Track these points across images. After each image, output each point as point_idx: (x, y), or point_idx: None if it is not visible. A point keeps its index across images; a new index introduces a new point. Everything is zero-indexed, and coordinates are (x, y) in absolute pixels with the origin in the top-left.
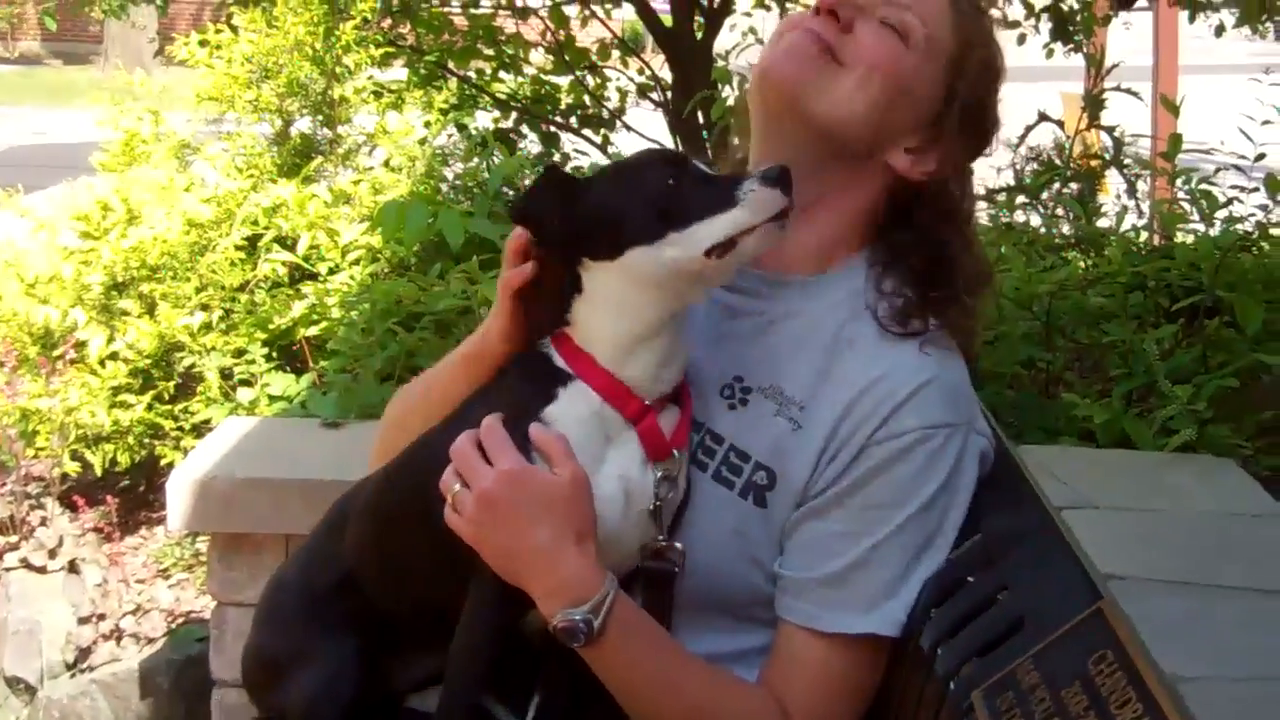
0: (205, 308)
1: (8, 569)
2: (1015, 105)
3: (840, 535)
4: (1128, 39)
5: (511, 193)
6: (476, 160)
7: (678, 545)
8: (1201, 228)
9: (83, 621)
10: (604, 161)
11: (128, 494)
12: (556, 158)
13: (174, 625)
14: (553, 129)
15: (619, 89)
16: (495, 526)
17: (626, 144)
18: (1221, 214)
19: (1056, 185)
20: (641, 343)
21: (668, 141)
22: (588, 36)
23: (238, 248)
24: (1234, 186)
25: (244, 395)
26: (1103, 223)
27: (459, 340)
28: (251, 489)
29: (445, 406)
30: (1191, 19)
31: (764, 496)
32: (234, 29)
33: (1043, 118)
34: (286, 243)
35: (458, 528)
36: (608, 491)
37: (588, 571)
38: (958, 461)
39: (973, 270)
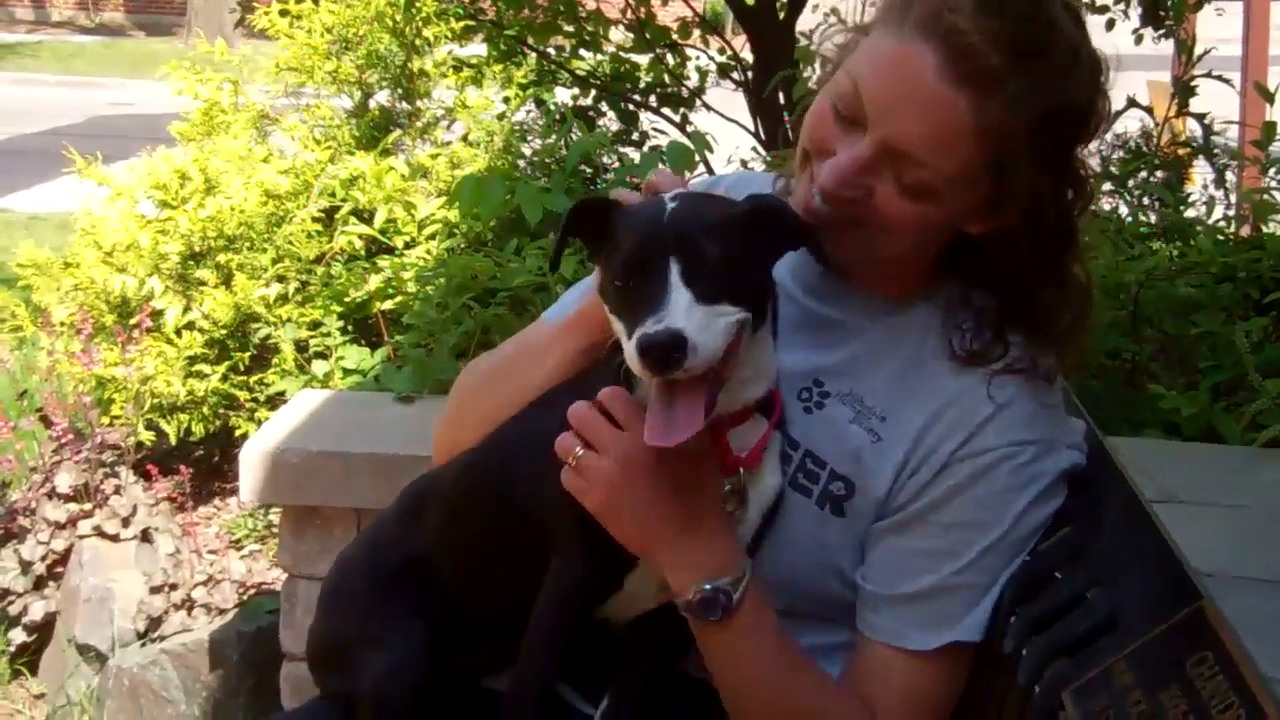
0: (281, 279)
1: (81, 536)
2: None
3: (922, 554)
4: (1217, 28)
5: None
6: (555, 136)
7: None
8: None
9: (154, 591)
10: (682, 140)
11: (201, 464)
12: (635, 136)
13: (245, 596)
14: (631, 107)
15: (699, 68)
16: (635, 492)
17: (706, 124)
18: None
19: (1143, 173)
20: None
21: (747, 121)
22: (668, 14)
23: (314, 219)
24: None
25: (318, 368)
26: (1188, 213)
27: (534, 317)
28: (324, 462)
29: (536, 372)
30: None
31: (842, 506)
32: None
33: (1131, 104)
34: (363, 215)
35: (581, 492)
36: None
37: (728, 543)
38: (1044, 479)
39: (1064, 300)
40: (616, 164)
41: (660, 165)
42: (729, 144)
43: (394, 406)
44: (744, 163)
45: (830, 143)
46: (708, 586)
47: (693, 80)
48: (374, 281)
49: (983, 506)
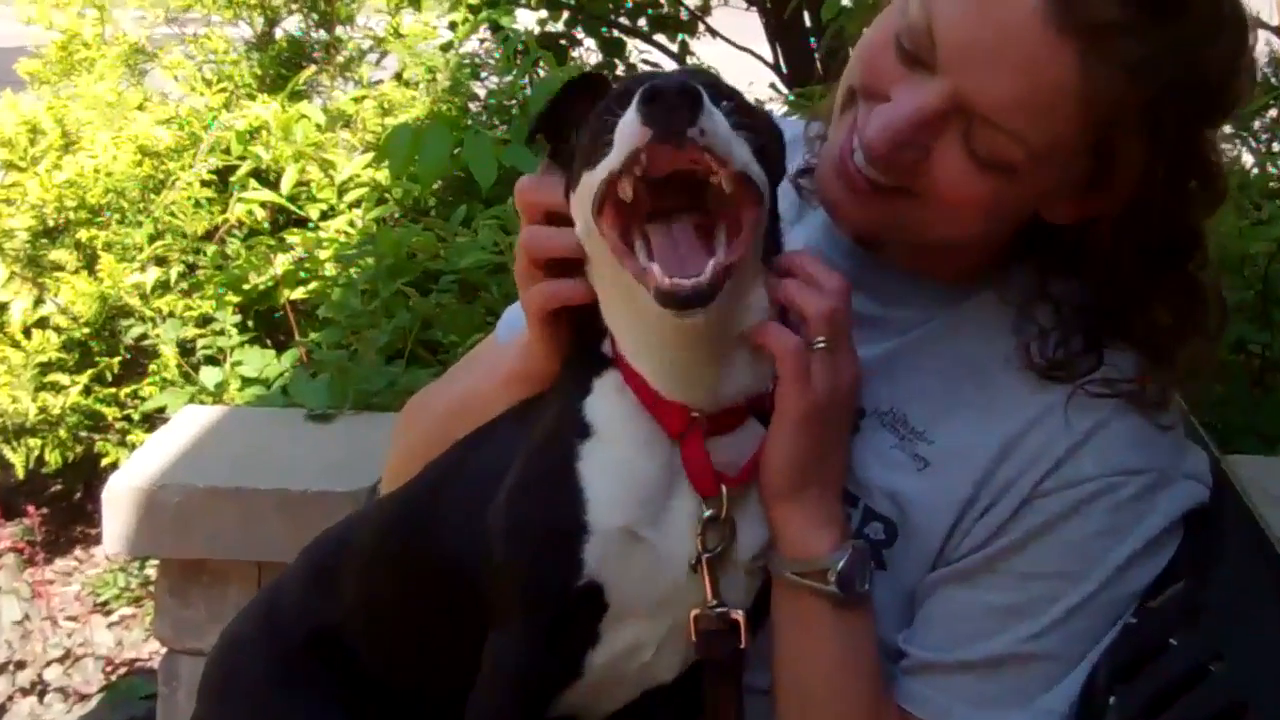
0: (161, 261)
1: None
2: None
3: (994, 611)
4: None
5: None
6: (515, 73)
7: (737, 614)
8: None
9: None
10: None
11: (58, 504)
12: (620, 70)
13: (114, 677)
14: (616, 33)
15: None
16: (846, 402)
17: (711, 53)
18: None
19: (1273, 112)
20: (653, 341)
21: (763, 49)
22: None
23: (204, 183)
24: None
25: (208, 376)
26: None
27: (490, 310)
28: (215, 502)
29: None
30: None
31: (880, 554)
32: None
33: (1256, 24)
34: (267, 178)
35: (800, 385)
36: (646, 531)
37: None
38: (1155, 521)
39: (1187, 315)
40: None
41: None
42: (740, 78)
43: (307, 427)
44: (760, 103)
45: (886, 83)
46: (860, 544)
47: None
48: (281, 263)
49: (1073, 554)
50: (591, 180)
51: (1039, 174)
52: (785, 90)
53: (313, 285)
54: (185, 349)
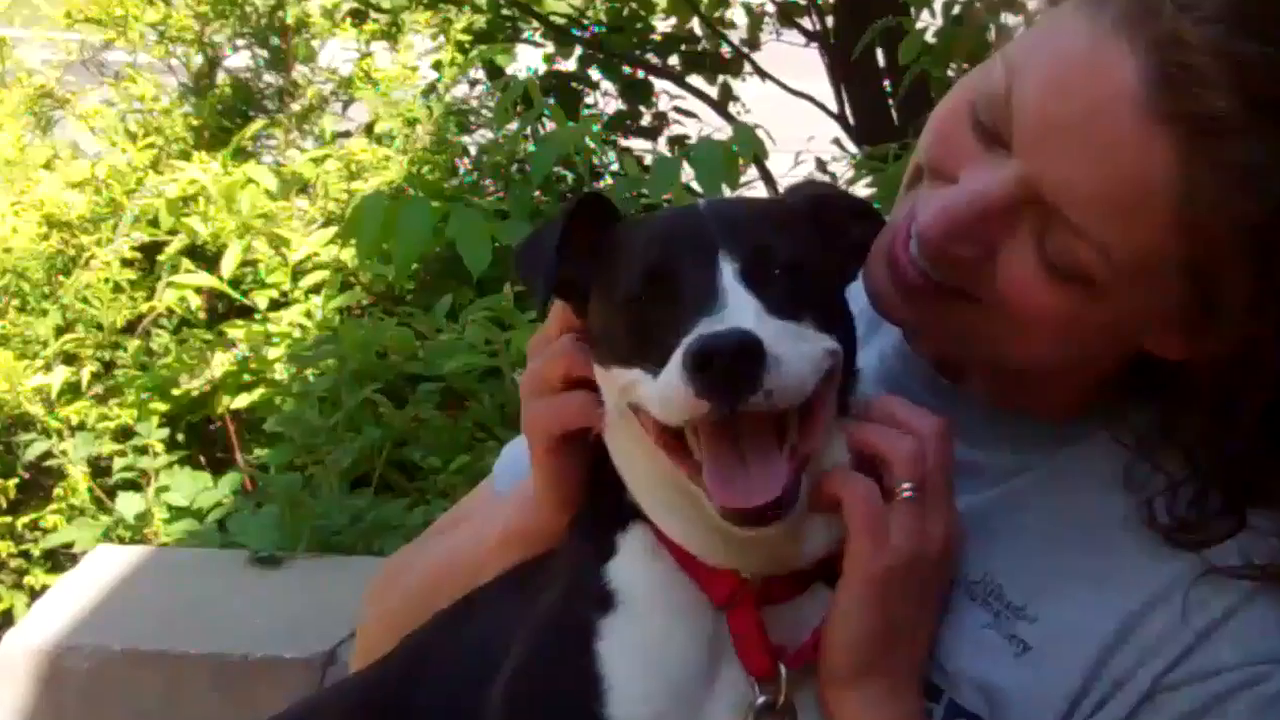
0: (71, 359)
1: None
2: None
3: None
4: None
5: (570, 182)
6: (516, 125)
7: None
8: None
9: None
10: (721, 129)
11: None
12: (646, 121)
13: None
14: (641, 73)
15: (748, 5)
16: (927, 512)
17: (759, 98)
18: None
19: None
20: (676, 495)
21: (825, 94)
22: None
23: (125, 263)
24: None
25: (127, 505)
26: None
27: (481, 425)
28: (135, 669)
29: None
30: None
31: None
32: None
33: None
34: (205, 256)
35: (878, 542)
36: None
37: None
38: None
39: None
40: (614, 167)
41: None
42: (796, 131)
43: (250, 575)
44: (821, 164)
45: (957, 161)
46: None
47: (739, 30)
48: (220, 364)
49: None
50: (625, 383)
51: (1123, 293)
52: (852, 147)
53: (259, 392)
54: (99, 469)
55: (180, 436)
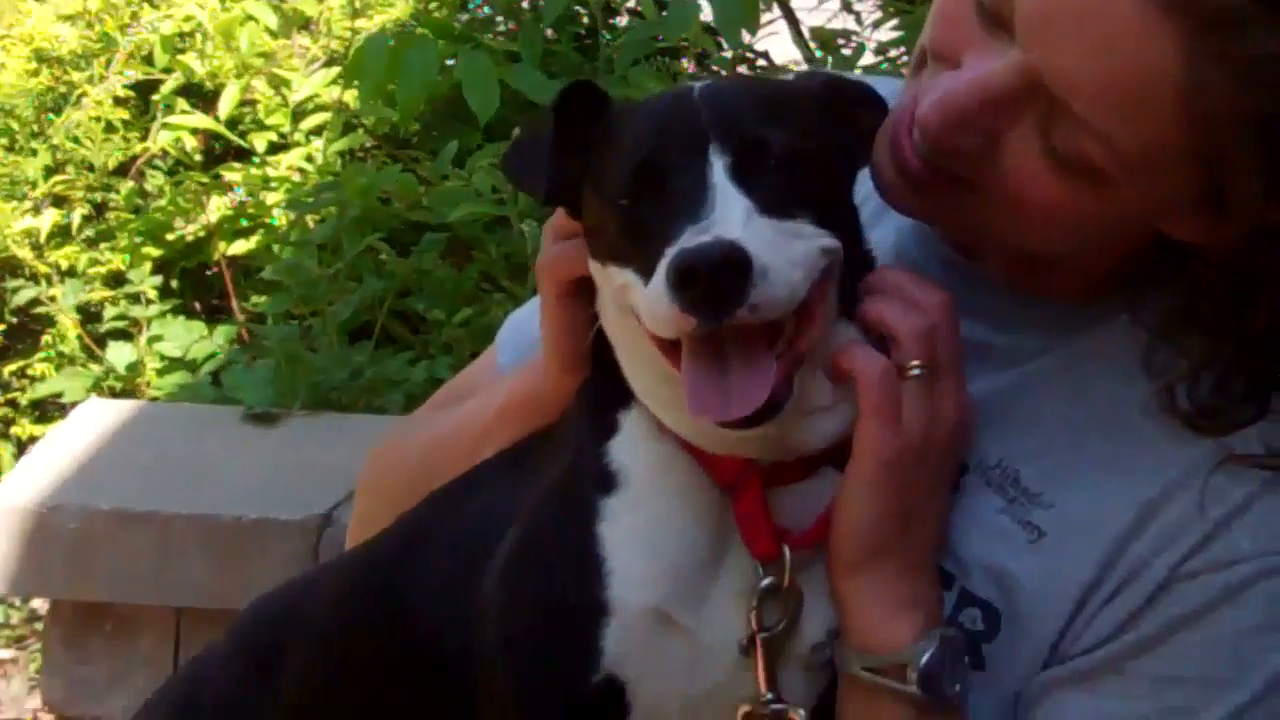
0: (60, 202)
1: None
2: None
3: None
4: None
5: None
6: None
7: (797, 713)
8: None
9: None
10: None
11: None
12: None
13: None
14: None
15: None
16: (938, 389)
17: None
18: None
19: None
20: (674, 390)
21: None
22: None
23: (118, 101)
24: None
25: (118, 355)
26: None
27: (487, 276)
28: (123, 529)
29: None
30: None
31: (979, 649)
32: None
33: None
34: (201, 95)
35: (889, 422)
36: (683, 614)
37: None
38: None
39: None
40: (630, 3)
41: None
42: None
43: (244, 431)
44: (846, 4)
45: (960, 46)
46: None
47: None
48: (216, 208)
49: (1222, 653)
50: (619, 283)
51: (1132, 184)
52: None
53: (256, 238)
54: (89, 316)
55: (174, 283)
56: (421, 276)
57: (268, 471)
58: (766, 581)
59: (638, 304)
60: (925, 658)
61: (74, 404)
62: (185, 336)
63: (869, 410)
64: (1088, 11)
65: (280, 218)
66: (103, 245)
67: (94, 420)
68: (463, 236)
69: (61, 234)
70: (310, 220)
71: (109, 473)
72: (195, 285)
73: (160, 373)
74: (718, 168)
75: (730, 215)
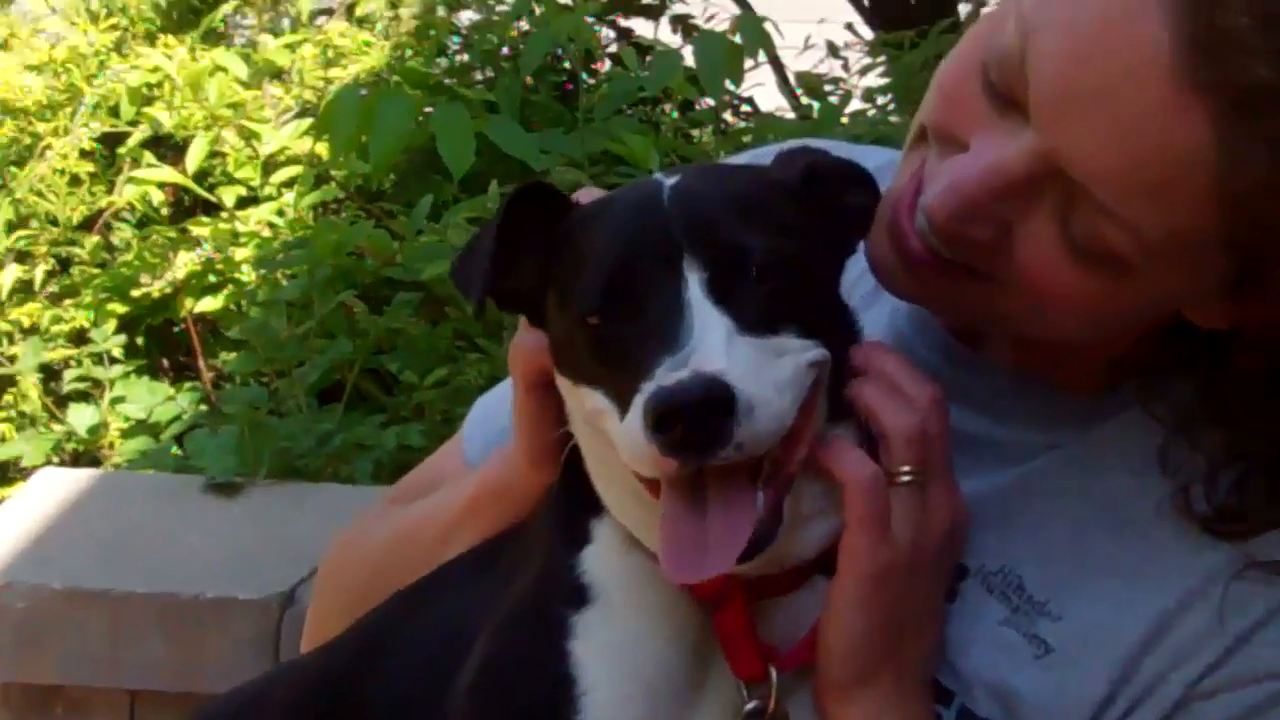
0: (23, 257)
1: None
2: None
3: None
4: None
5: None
6: (504, 7)
7: None
8: None
9: None
10: (726, 9)
11: None
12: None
13: None
14: None
15: None
16: (929, 497)
17: None
18: None
19: None
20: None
21: None
22: None
23: (84, 154)
24: None
25: (79, 417)
26: None
27: (462, 335)
28: (75, 608)
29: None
30: None
31: None
32: None
33: None
34: (169, 147)
35: (874, 539)
36: None
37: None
38: None
39: None
40: (612, 48)
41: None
42: (803, 12)
43: (204, 503)
44: (833, 49)
45: (966, 126)
46: None
47: None
48: (184, 265)
49: None
50: (590, 407)
51: (1157, 272)
52: (866, 34)
53: (224, 295)
54: (49, 376)
55: (140, 340)
56: (394, 335)
57: (229, 546)
58: (751, 705)
59: (613, 437)
60: None
61: (34, 468)
62: (149, 398)
63: (855, 521)
64: (1110, 90)
65: (249, 274)
66: (67, 302)
67: (49, 491)
68: (437, 294)
69: (24, 290)
70: (281, 276)
71: (62, 548)
72: (161, 343)
73: (122, 436)
74: (693, 284)
75: (709, 341)
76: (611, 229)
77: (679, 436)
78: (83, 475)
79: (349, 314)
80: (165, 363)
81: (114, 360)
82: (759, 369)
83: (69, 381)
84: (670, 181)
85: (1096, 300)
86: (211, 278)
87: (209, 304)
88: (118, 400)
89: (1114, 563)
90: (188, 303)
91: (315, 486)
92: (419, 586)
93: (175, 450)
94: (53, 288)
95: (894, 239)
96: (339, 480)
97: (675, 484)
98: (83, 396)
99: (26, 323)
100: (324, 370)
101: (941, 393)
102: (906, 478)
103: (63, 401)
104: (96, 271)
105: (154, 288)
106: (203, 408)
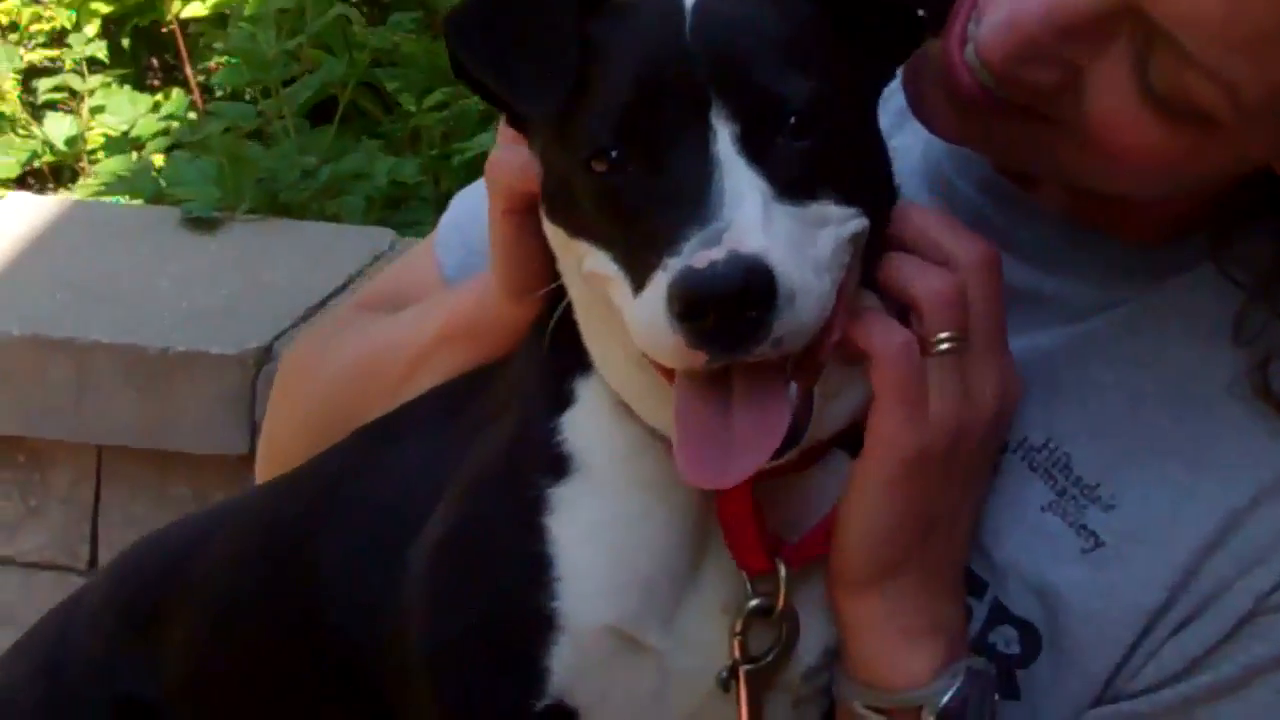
0: None
1: None
2: None
3: None
4: None
5: None
6: None
7: None
8: None
9: None
10: None
11: None
12: None
13: None
14: None
15: None
16: (973, 368)
17: None
18: None
19: None
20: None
21: None
22: None
23: None
24: None
25: (56, 128)
26: None
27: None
28: (38, 356)
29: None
30: None
31: (1013, 675)
32: None
33: None
34: None
35: (912, 415)
36: (650, 634)
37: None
38: None
39: None
40: None
41: None
42: None
43: (181, 239)
44: None
45: None
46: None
47: None
48: None
49: None
50: (590, 267)
51: (1252, 131)
52: None
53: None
54: (26, 81)
55: (125, 42)
56: (391, 51)
57: (204, 290)
58: (754, 602)
59: (623, 313)
60: (945, 699)
61: (9, 180)
62: (130, 109)
63: (884, 397)
64: None
65: None
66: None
67: (15, 221)
68: (439, 8)
69: None
70: None
71: (26, 291)
72: (148, 47)
73: (105, 149)
74: (723, 137)
75: (745, 212)
76: (625, 54)
77: (710, 327)
78: (52, 203)
79: (346, 26)
80: (154, 63)
81: (96, 63)
82: (801, 249)
83: (44, 92)
84: (691, 3)
85: (1176, 158)
86: None
87: (197, 9)
88: (98, 110)
89: (1176, 445)
90: (175, 5)
91: (300, 224)
92: (379, 429)
93: (155, 172)
94: None
95: (945, 81)
96: (326, 218)
97: (694, 382)
98: (52, 105)
99: (4, 20)
100: (315, 89)
101: (995, 251)
102: (944, 344)
103: (40, 112)
104: None
105: None
106: (191, 115)
